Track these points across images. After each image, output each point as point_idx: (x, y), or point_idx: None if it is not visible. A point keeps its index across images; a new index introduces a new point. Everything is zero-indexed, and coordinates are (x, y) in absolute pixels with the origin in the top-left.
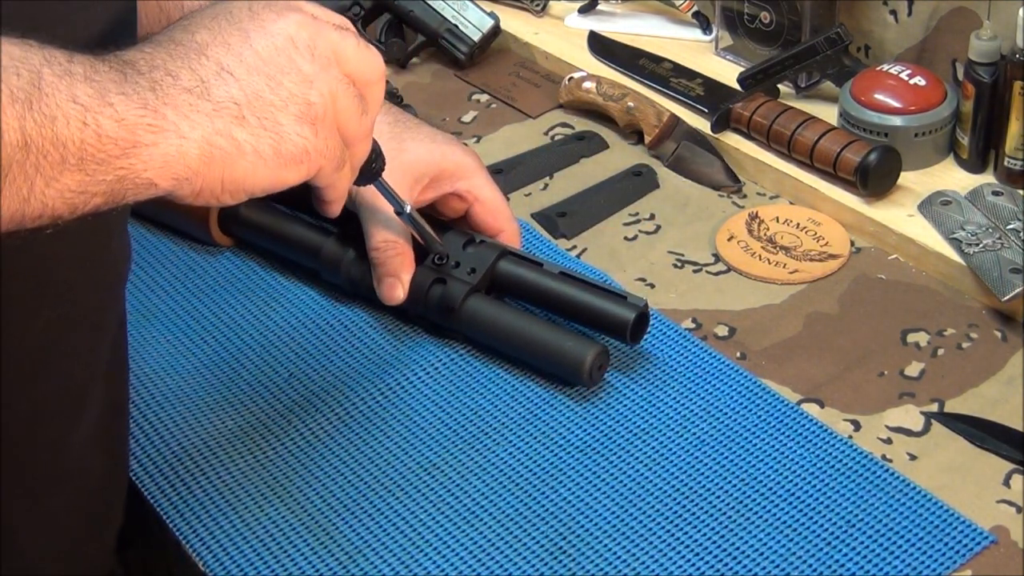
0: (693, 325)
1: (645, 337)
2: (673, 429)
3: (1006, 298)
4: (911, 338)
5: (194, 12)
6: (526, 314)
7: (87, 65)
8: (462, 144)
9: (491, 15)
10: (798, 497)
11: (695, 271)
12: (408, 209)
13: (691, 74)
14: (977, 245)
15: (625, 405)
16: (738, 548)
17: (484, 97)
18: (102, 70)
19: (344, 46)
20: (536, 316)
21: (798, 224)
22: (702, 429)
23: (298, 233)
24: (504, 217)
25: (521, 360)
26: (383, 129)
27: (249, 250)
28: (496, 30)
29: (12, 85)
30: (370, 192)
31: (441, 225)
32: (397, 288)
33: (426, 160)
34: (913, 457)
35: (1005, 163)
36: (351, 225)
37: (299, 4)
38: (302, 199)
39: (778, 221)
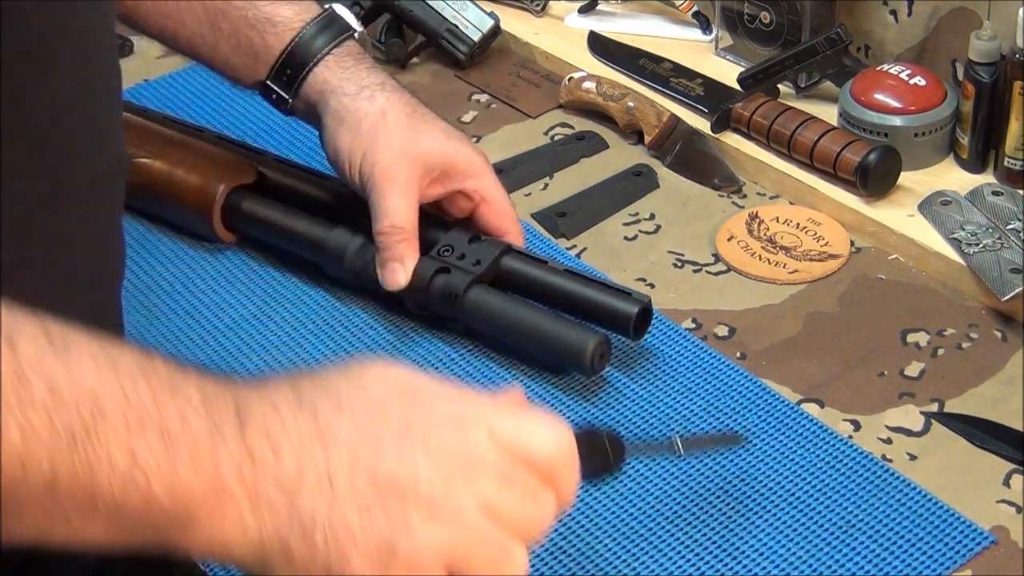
0: (693, 325)
1: (645, 337)
2: (673, 429)
3: (1006, 298)
4: (911, 338)
5: (364, 372)
6: (528, 304)
7: (176, 410)
8: (473, 143)
9: (491, 15)
10: (798, 497)
11: (695, 271)
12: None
13: (691, 74)
14: (977, 245)
15: (625, 405)
16: (738, 548)
17: (484, 97)
18: (193, 421)
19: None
20: (538, 307)
21: (798, 224)
22: (702, 429)
23: (301, 227)
24: (510, 219)
25: (523, 350)
26: (400, 119)
27: (249, 249)
28: (496, 30)
29: (64, 420)
30: (382, 176)
31: (446, 222)
32: (399, 273)
33: (439, 153)
34: (913, 457)
35: (1005, 163)
36: (354, 218)
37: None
38: (302, 199)
39: (778, 221)
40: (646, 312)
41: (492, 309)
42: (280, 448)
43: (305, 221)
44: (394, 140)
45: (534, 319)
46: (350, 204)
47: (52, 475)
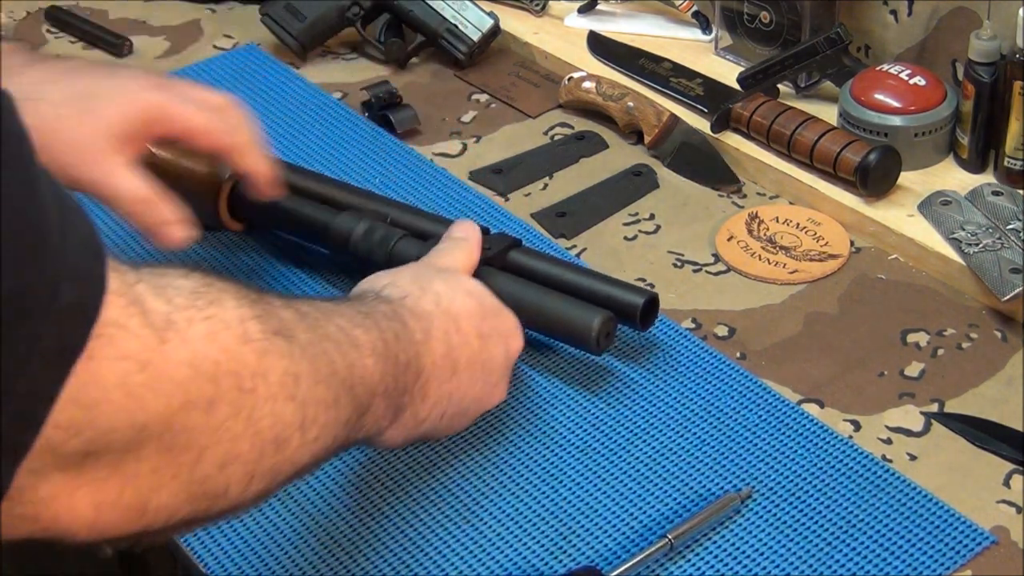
0: (693, 325)
1: (645, 338)
2: (673, 429)
3: (1006, 298)
4: (911, 338)
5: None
6: (535, 285)
7: (403, 381)
8: (136, 70)
9: (491, 15)
10: (798, 497)
11: (695, 271)
12: None
13: (691, 74)
14: (977, 245)
15: (625, 405)
16: (738, 548)
17: (484, 97)
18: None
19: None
20: (545, 288)
21: (798, 224)
22: (702, 429)
23: (306, 212)
24: (223, 132)
25: (529, 330)
26: (70, 110)
27: (249, 249)
28: (495, 30)
29: (357, 402)
30: (90, 172)
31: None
32: (175, 229)
33: (118, 118)
34: (913, 457)
35: (1005, 163)
36: (359, 205)
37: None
38: (308, 192)
39: (778, 221)
40: (652, 303)
41: (498, 289)
42: (428, 386)
43: (311, 207)
44: (77, 135)
45: (540, 298)
46: (357, 197)
47: (345, 442)
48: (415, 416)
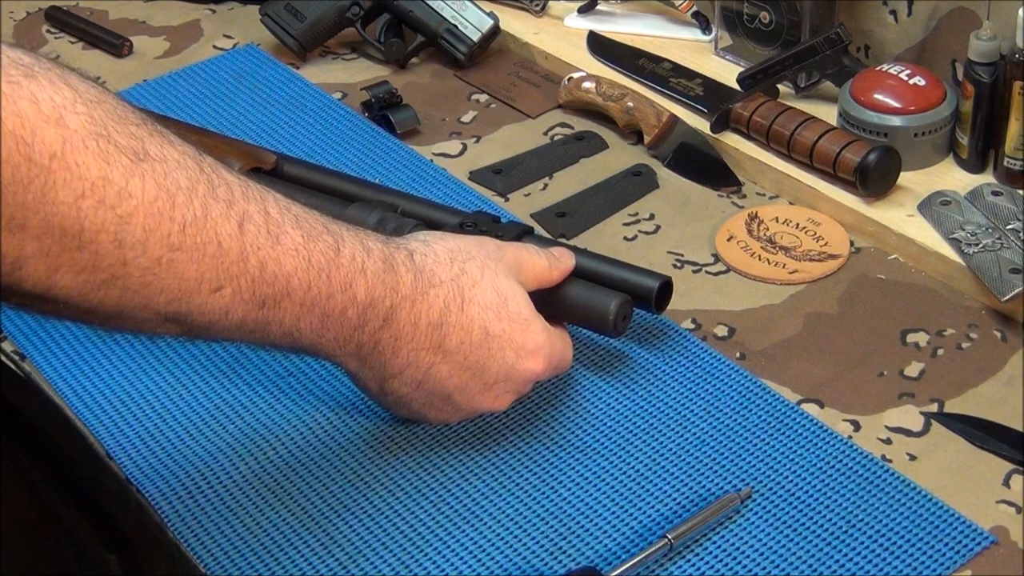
0: (693, 325)
1: (645, 338)
2: (673, 429)
3: (1006, 298)
4: (911, 338)
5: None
6: None
7: (341, 305)
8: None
9: (490, 15)
10: (798, 497)
11: (695, 271)
12: None
13: (691, 74)
14: (976, 245)
15: (625, 405)
16: (738, 548)
17: (484, 97)
18: (351, 315)
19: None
20: None
21: (798, 224)
22: (702, 429)
23: (317, 204)
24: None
25: (546, 314)
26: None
27: None
28: (495, 30)
29: (262, 291)
30: None
31: (464, 211)
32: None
33: None
34: (913, 457)
35: (1005, 163)
36: (369, 195)
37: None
38: (318, 187)
39: (778, 221)
40: (667, 287)
41: None
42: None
43: (322, 199)
44: None
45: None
46: (366, 189)
47: (242, 322)
48: (384, 367)
